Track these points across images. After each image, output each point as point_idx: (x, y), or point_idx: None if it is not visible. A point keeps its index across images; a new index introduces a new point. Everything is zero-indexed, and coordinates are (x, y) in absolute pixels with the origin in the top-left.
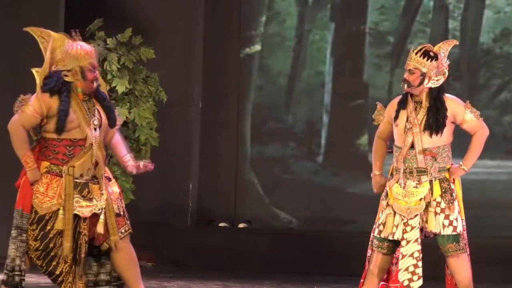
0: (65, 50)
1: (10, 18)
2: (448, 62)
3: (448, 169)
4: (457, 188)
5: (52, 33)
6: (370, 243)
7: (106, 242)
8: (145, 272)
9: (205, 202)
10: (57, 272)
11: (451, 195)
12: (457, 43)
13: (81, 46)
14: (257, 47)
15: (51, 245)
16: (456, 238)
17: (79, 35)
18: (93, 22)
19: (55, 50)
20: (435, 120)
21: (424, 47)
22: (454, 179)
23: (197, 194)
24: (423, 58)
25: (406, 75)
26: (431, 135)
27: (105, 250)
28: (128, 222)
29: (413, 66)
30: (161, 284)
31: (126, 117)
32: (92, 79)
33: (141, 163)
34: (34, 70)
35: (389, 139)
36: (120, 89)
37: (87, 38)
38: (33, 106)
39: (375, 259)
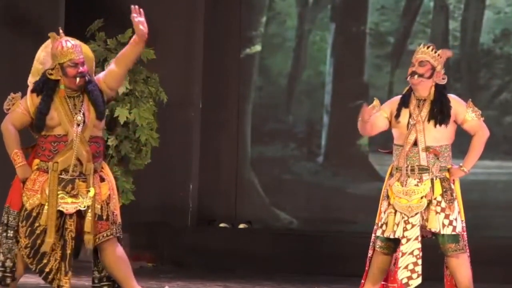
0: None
1: (10, 18)
2: (443, 71)
3: (449, 169)
4: (457, 189)
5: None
6: (371, 244)
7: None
8: (145, 272)
9: (205, 202)
10: (47, 270)
11: (452, 195)
12: (452, 55)
13: (60, 44)
14: (258, 47)
15: (39, 241)
16: (455, 238)
17: (63, 33)
18: (94, 23)
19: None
20: (440, 112)
21: (432, 44)
22: (453, 180)
23: (197, 194)
24: (434, 52)
25: (415, 68)
26: (435, 125)
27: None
28: (113, 227)
29: (425, 58)
30: (161, 285)
31: (127, 118)
32: (74, 75)
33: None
34: None
35: (376, 129)
36: (121, 89)
37: (87, 39)
38: (22, 105)
39: (377, 259)
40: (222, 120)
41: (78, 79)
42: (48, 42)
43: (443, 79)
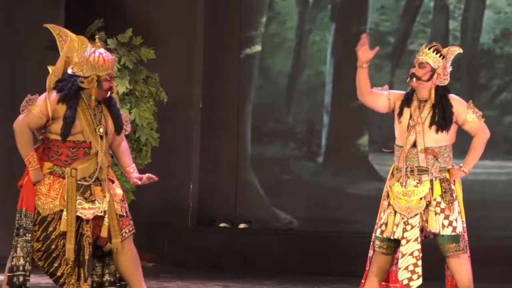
0: (84, 55)
1: (10, 18)
2: (450, 69)
3: (449, 170)
4: (457, 190)
5: (70, 33)
6: (371, 243)
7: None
8: (146, 273)
9: (205, 202)
10: (59, 274)
11: (451, 196)
12: (461, 51)
13: (101, 55)
14: (258, 47)
15: (53, 246)
16: (455, 238)
17: (100, 42)
18: (94, 23)
19: (71, 52)
20: (443, 117)
21: (435, 45)
22: (454, 180)
23: (197, 194)
24: (435, 54)
25: (415, 70)
26: (437, 132)
27: (108, 250)
28: (132, 222)
29: (424, 60)
30: (162, 285)
31: None
32: (107, 89)
33: (145, 176)
34: (50, 68)
35: (373, 98)
36: (121, 89)
37: (87, 39)
38: (39, 107)
39: (376, 259)
40: (222, 120)
41: (108, 92)
42: (71, 45)
43: (445, 79)
